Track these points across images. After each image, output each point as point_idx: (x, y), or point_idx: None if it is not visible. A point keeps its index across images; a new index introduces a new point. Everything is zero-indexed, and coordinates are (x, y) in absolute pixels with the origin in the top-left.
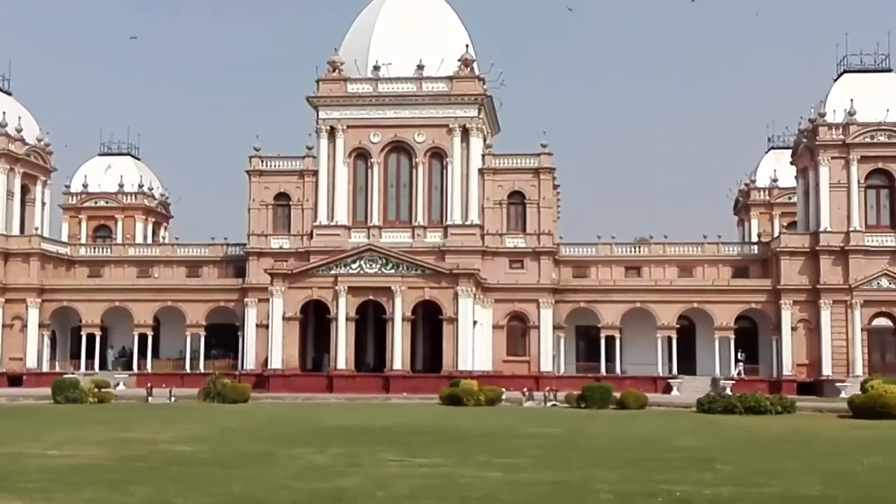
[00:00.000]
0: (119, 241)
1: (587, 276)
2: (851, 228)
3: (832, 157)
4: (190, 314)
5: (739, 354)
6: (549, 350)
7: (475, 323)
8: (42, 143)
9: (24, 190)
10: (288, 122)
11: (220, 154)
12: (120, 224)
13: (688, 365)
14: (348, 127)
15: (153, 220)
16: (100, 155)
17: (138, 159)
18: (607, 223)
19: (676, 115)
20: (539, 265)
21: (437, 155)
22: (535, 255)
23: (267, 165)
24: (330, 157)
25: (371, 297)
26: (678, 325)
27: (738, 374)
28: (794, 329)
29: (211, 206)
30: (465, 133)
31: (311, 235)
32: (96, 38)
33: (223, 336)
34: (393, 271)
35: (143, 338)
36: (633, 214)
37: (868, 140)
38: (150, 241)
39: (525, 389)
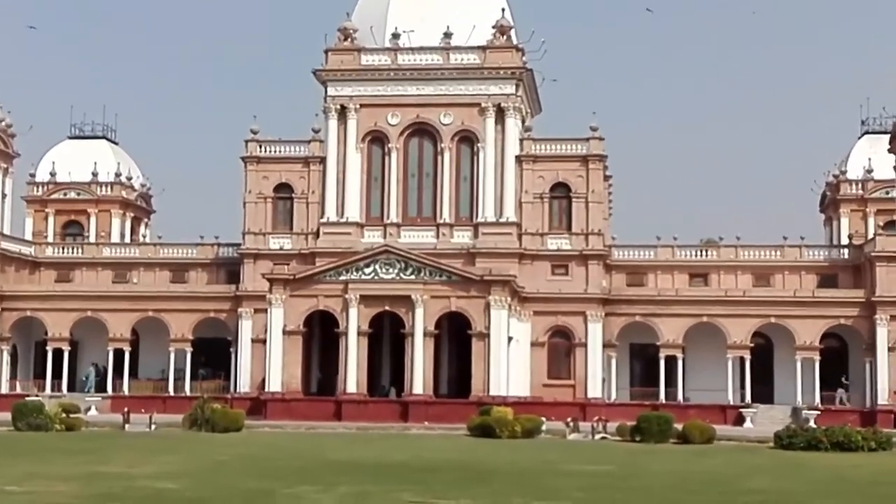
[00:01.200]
0: (92, 239)
1: (644, 284)
2: None
3: None
4: (174, 326)
5: (843, 379)
6: (598, 372)
7: (510, 339)
8: (3, 123)
9: None
10: (291, 101)
11: (211, 138)
12: (93, 220)
13: (764, 391)
14: (362, 106)
15: (132, 215)
16: (70, 138)
17: (115, 143)
18: (667, 222)
19: (750, 94)
20: (587, 271)
21: (467, 139)
22: (582, 259)
23: (266, 151)
24: (340, 142)
25: (387, 308)
26: (752, 344)
27: (840, 401)
28: (891, 350)
29: (200, 200)
30: (500, 113)
31: (317, 234)
32: (66, 3)
33: (213, 353)
34: (413, 277)
35: (119, 354)
36: (699, 212)
37: None
38: (128, 240)
39: (569, 419)
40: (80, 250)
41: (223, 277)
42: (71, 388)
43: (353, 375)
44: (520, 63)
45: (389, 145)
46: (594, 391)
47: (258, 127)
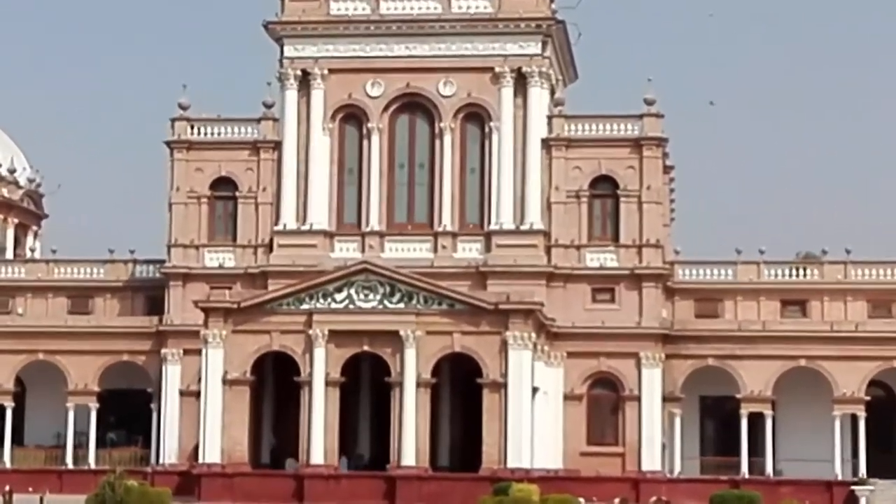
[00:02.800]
0: None
1: (719, 315)
2: None
3: None
4: (74, 374)
5: None
6: (657, 436)
7: (535, 391)
8: None
9: None
10: (235, 66)
11: (124, 117)
12: None
13: (884, 461)
14: (331, 71)
15: (15, 220)
16: None
17: None
18: (750, 230)
19: (850, 64)
20: (640, 297)
21: (475, 116)
22: (633, 281)
23: (200, 133)
24: (302, 121)
25: (367, 348)
26: (868, 397)
27: None
28: None
29: (110, 200)
30: (521, 81)
31: (269, 247)
32: None
33: (127, 410)
34: (402, 306)
35: None
36: (793, 216)
37: None
38: (10, 255)
39: (617, 500)
40: None
41: (141, 307)
42: None
43: (319, 441)
44: (548, 12)
45: (369, 125)
46: (651, 462)
47: (189, 101)
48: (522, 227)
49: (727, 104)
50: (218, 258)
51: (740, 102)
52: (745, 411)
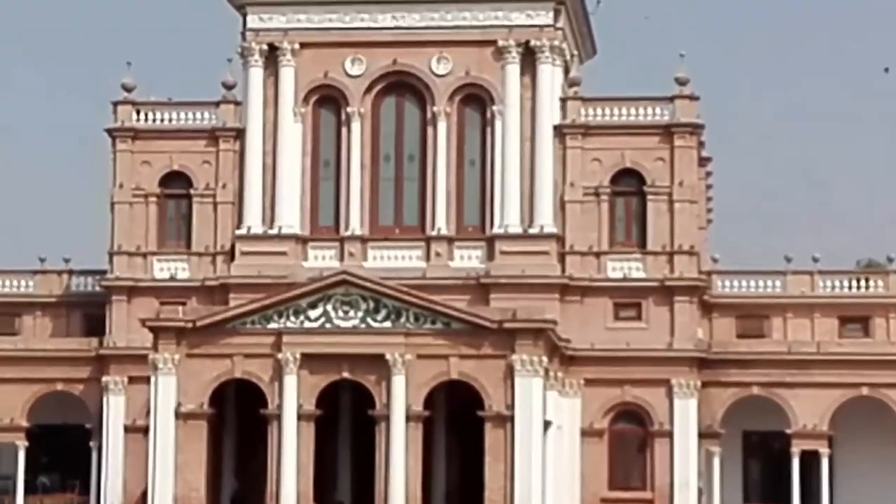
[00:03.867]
0: None
1: (765, 334)
2: None
3: None
4: None
5: None
6: (692, 479)
7: (548, 425)
8: None
9: None
10: (189, 39)
11: (55, 100)
12: None
13: None
14: (304, 46)
15: None
16: None
17: None
18: (798, 235)
19: None
20: (672, 313)
21: (475, 99)
22: (663, 294)
23: (147, 120)
24: (269, 104)
25: (346, 376)
26: None
27: None
28: None
29: (39, 200)
30: (529, 57)
31: (231, 255)
32: None
33: (62, 449)
34: (389, 325)
35: None
36: (852, 219)
37: None
38: None
39: None
40: None
41: (78, 326)
42: None
43: (290, 484)
44: None
45: (349, 110)
46: None
47: (134, 81)
48: (531, 231)
49: (773, 83)
50: (169, 268)
51: (789, 82)
52: (796, 449)
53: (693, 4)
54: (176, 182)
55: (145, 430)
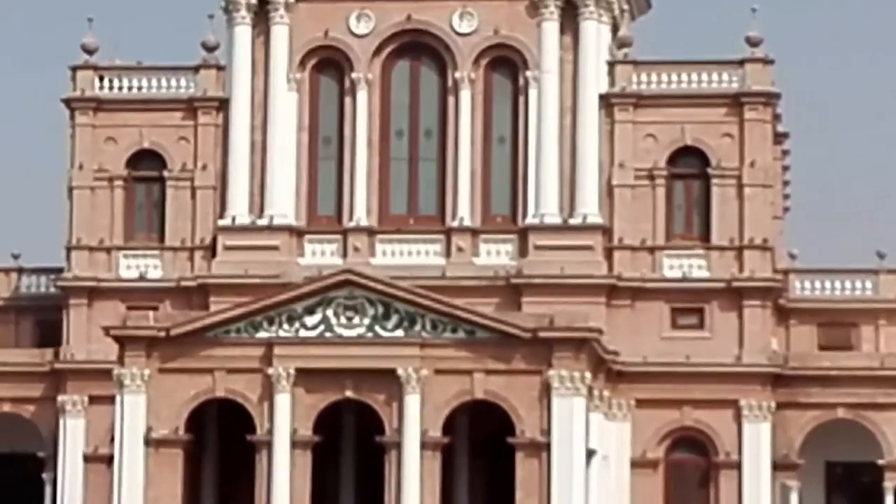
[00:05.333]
0: None
1: (853, 345)
2: None
3: None
4: None
5: None
6: None
7: (591, 454)
8: None
9: None
10: None
11: (1, 60)
12: None
13: None
14: (299, 0)
15: None
16: None
17: None
18: (892, 228)
19: None
20: (741, 320)
21: (505, 63)
22: (731, 297)
23: (113, 88)
24: (258, 70)
25: (350, 395)
26: None
27: None
28: None
29: None
30: (570, 12)
31: (212, 250)
32: None
33: (10, 481)
34: (401, 334)
35: None
36: None
37: None
38: None
39: None
40: None
41: (28, 335)
42: None
43: None
44: None
45: (354, 76)
46: None
47: (97, 41)
48: (572, 222)
49: (864, 44)
50: (138, 266)
51: (883, 43)
52: (890, 484)
53: None
54: (146, 162)
55: (109, 460)
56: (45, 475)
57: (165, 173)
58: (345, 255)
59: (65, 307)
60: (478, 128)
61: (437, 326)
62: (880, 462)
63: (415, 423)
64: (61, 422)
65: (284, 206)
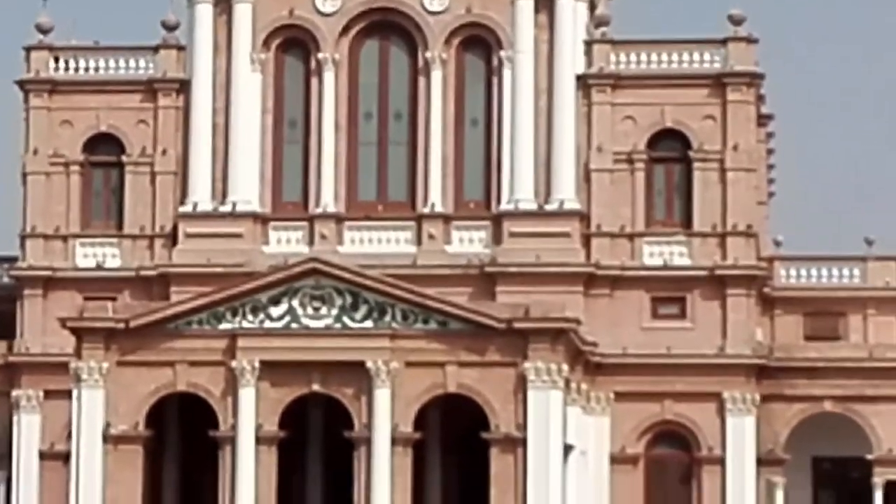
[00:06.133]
0: None
1: (840, 335)
2: None
3: None
4: None
5: None
6: None
7: (569, 449)
8: None
9: None
10: None
11: None
12: None
13: None
14: None
15: None
16: None
17: None
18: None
19: None
20: (724, 310)
21: (478, 42)
22: (714, 286)
23: (69, 69)
24: (220, 49)
25: (318, 388)
26: None
27: None
28: None
29: None
30: None
31: (173, 238)
32: None
33: None
34: (371, 325)
35: None
36: None
37: None
38: None
39: None
40: None
41: None
42: None
43: None
44: None
45: (321, 55)
46: None
47: (51, 20)
48: (548, 207)
49: (854, 20)
50: (95, 255)
51: (875, 17)
52: (879, 479)
53: None
54: (104, 147)
55: (66, 457)
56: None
57: (124, 158)
58: (311, 242)
59: (19, 298)
60: (450, 110)
61: (408, 317)
62: (869, 457)
63: (385, 417)
64: (16, 417)
65: (248, 191)
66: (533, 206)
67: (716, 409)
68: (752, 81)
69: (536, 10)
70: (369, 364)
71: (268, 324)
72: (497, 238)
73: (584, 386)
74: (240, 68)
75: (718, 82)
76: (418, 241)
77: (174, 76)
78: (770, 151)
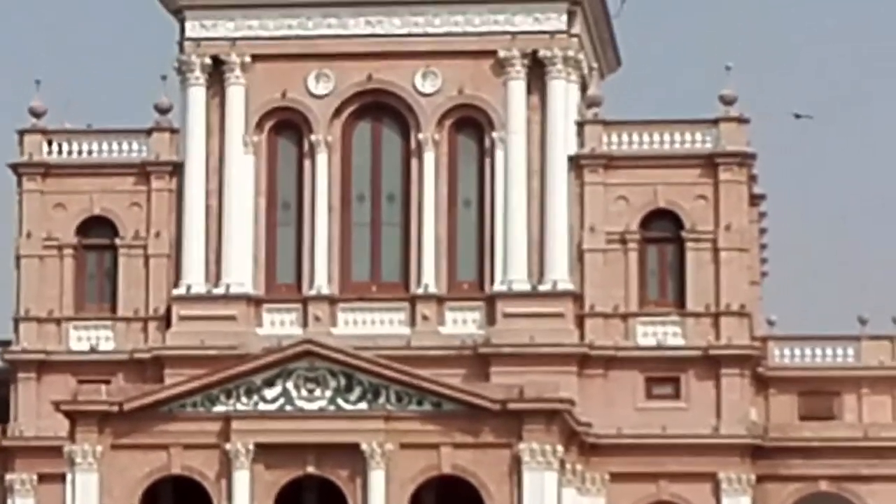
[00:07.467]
0: None
1: (835, 415)
2: None
3: None
4: None
5: None
6: None
7: None
8: None
9: None
10: (114, 51)
11: None
12: None
13: None
14: (256, 59)
15: None
16: None
17: None
18: (874, 293)
19: None
20: (718, 390)
21: (470, 124)
22: (708, 366)
23: (62, 153)
24: (213, 132)
25: (312, 470)
26: None
27: None
28: None
29: None
30: (538, 70)
31: (166, 321)
32: None
33: None
34: (365, 407)
35: None
36: None
37: None
38: None
39: None
40: None
41: None
42: None
43: None
44: None
45: (314, 138)
46: None
47: (45, 104)
48: (542, 288)
49: (844, 101)
50: (89, 338)
51: (864, 98)
52: None
53: (744, 4)
54: (97, 230)
55: None
56: None
57: (117, 241)
58: (305, 324)
59: (13, 381)
60: (442, 191)
61: (402, 398)
62: None
63: (380, 499)
64: (10, 502)
65: (242, 274)
66: (526, 287)
67: (711, 489)
68: (743, 161)
69: (528, 92)
70: (364, 446)
71: (262, 406)
72: (491, 319)
73: (579, 467)
74: (233, 150)
75: (710, 162)
76: (412, 323)
77: (167, 159)
78: (763, 231)
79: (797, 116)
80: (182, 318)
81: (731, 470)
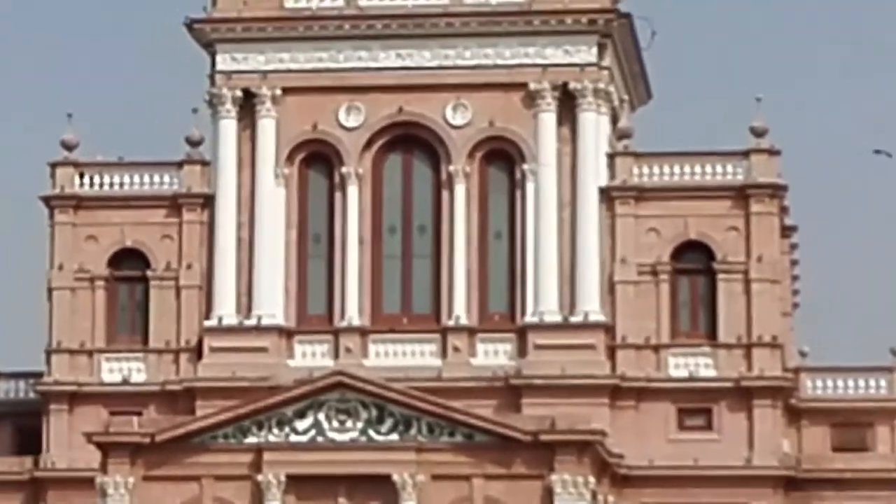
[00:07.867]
0: None
1: (868, 447)
2: None
3: None
4: None
5: None
6: None
7: None
8: None
9: None
10: (145, 84)
11: None
12: None
13: None
14: (287, 91)
15: None
16: None
17: None
18: None
19: None
20: (751, 421)
21: (501, 156)
22: (740, 398)
23: (94, 185)
24: (244, 164)
25: (344, 502)
26: None
27: None
28: None
29: None
30: (569, 102)
31: (198, 352)
32: None
33: None
34: (396, 438)
35: None
36: None
37: None
38: None
39: None
40: None
41: (6, 442)
42: None
43: None
44: (607, 2)
45: (344, 170)
46: None
47: (76, 137)
48: (573, 320)
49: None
50: (121, 369)
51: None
52: None
53: (774, 37)
54: (129, 262)
55: None
56: None
57: (149, 273)
58: (336, 356)
59: (45, 413)
60: (473, 223)
61: (434, 430)
62: None
63: None
64: None
65: (273, 305)
66: (558, 319)
67: None
68: (775, 193)
69: (559, 123)
70: (395, 477)
71: (293, 437)
72: (522, 350)
73: (611, 498)
74: (264, 183)
75: (742, 194)
76: (443, 354)
77: (198, 191)
78: (794, 262)
79: (877, 152)
80: (213, 350)
81: (764, 501)
